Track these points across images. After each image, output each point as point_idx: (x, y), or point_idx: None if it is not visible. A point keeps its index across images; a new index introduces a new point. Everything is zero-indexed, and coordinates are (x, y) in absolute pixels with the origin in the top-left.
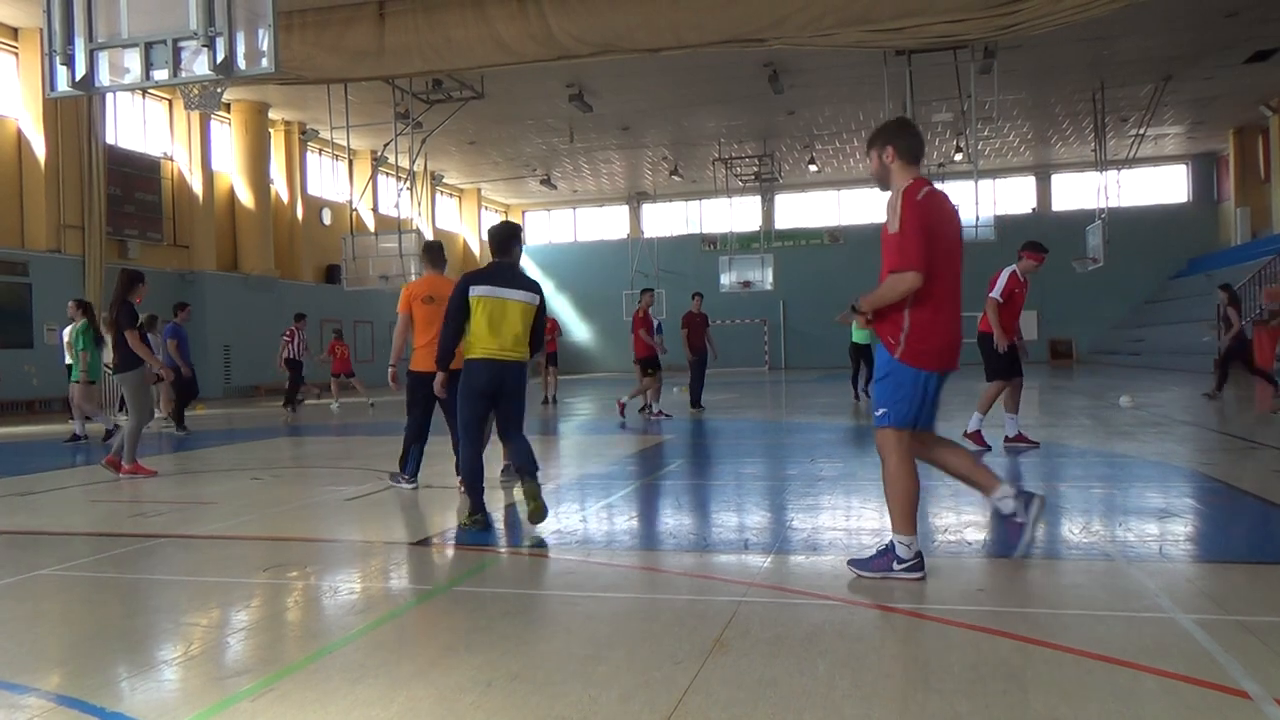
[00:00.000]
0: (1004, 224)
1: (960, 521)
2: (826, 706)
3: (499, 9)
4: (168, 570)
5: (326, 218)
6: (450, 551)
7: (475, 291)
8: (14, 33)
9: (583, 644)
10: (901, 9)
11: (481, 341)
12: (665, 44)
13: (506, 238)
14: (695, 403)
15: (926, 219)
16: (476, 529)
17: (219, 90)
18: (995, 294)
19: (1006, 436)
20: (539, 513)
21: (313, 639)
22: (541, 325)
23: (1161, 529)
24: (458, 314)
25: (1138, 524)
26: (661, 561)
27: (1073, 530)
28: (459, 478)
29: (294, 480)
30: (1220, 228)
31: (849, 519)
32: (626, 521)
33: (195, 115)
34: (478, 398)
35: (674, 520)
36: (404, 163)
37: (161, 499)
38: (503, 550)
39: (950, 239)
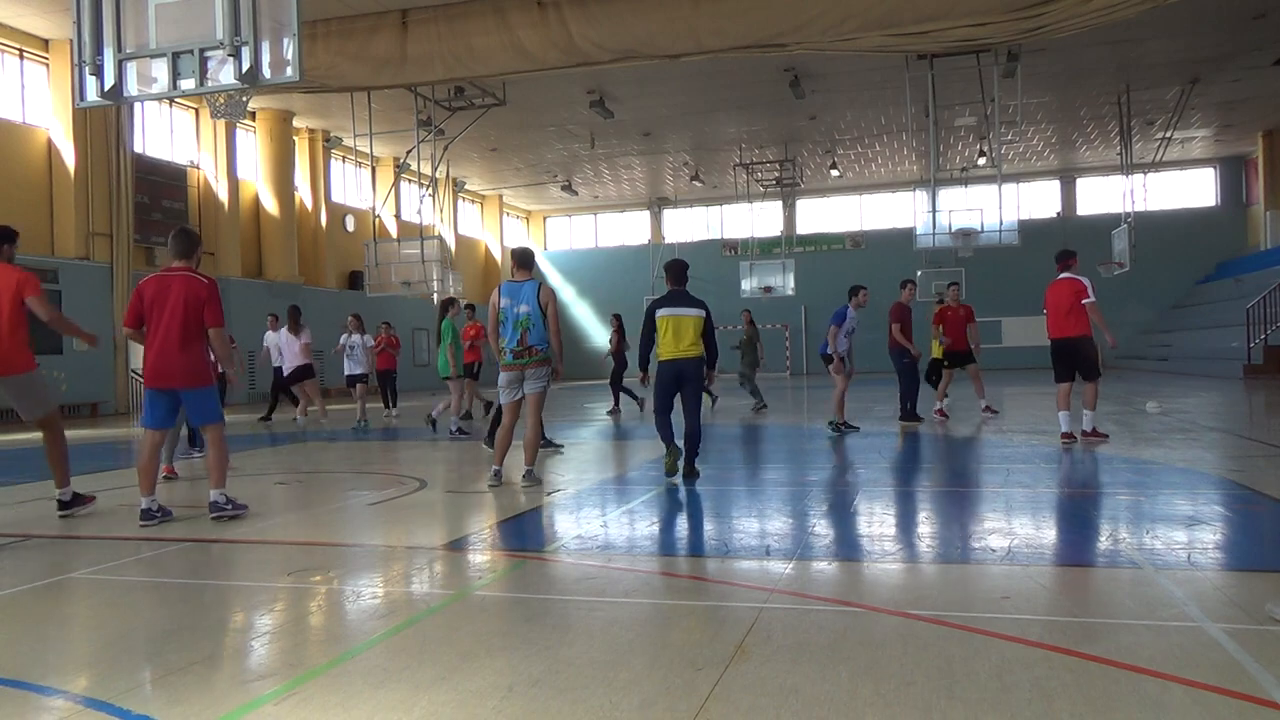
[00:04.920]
0: (1028, 228)
1: (985, 528)
2: (849, 714)
3: (520, 16)
4: (193, 574)
5: (350, 224)
6: (472, 556)
7: (661, 313)
8: (45, 44)
9: (604, 649)
10: (924, 13)
11: (667, 347)
12: (686, 50)
13: (683, 270)
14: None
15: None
16: (672, 460)
17: (244, 99)
18: (1094, 298)
19: (1084, 430)
20: (691, 476)
21: (336, 643)
22: (711, 331)
23: (1189, 536)
24: (650, 331)
25: (1165, 531)
26: (683, 567)
27: (1100, 537)
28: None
29: (317, 485)
30: (1249, 231)
31: (871, 525)
32: (648, 527)
33: (221, 124)
34: (666, 384)
35: (695, 526)
36: (426, 169)
37: (187, 503)
38: (525, 555)
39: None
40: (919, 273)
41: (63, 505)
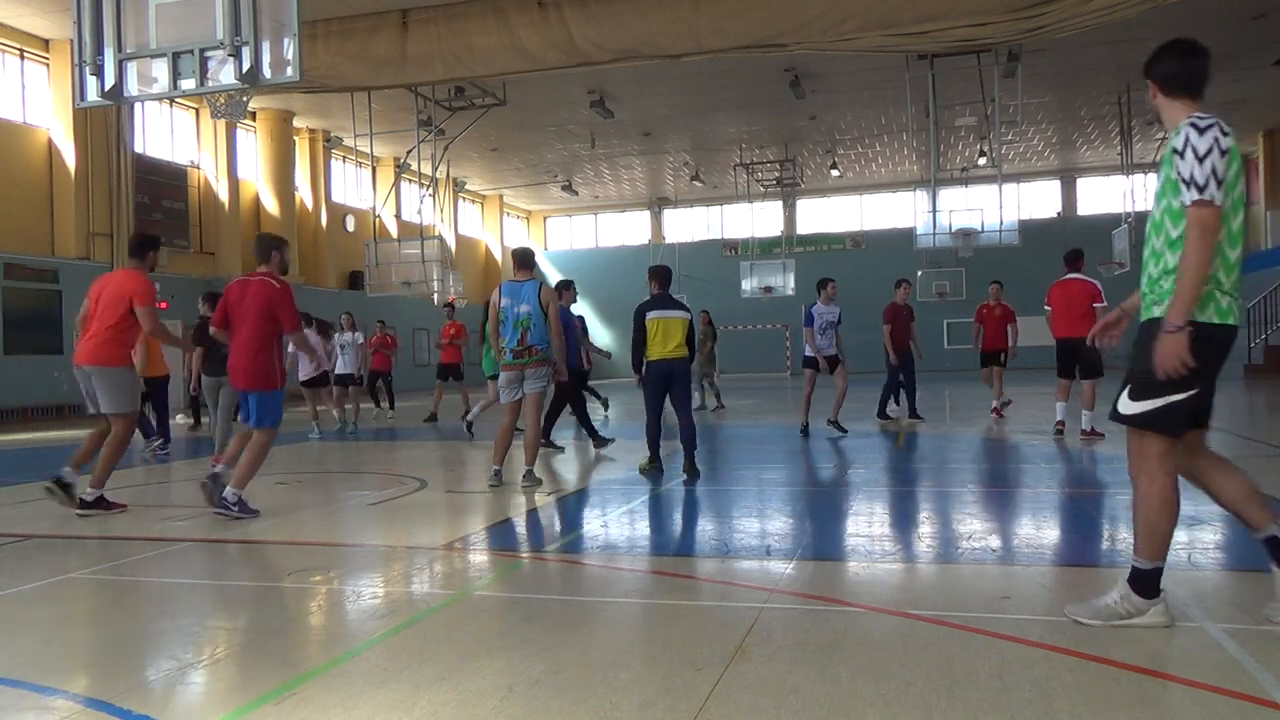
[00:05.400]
0: (1028, 228)
1: (984, 528)
2: (849, 714)
3: (521, 17)
4: (193, 574)
5: (350, 224)
6: (472, 556)
7: (650, 316)
8: (45, 44)
9: (604, 649)
10: (924, 13)
11: (655, 349)
12: (686, 50)
13: (669, 275)
14: (911, 411)
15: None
16: (653, 472)
17: (244, 99)
18: (1105, 304)
19: (1084, 430)
20: (693, 474)
21: (336, 643)
22: (694, 333)
23: (1190, 536)
24: (642, 333)
25: None
26: (683, 567)
27: (1100, 537)
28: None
29: (317, 485)
30: (1249, 231)
31: (870, 525)
32: (648, 527)
33: (221, 124)
34: (656, 384)
35: (695, 526)
36: (426, 169)
37: (187, 504)
38: (525, 555)
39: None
40: (919, 273)
41: (84, 504)
